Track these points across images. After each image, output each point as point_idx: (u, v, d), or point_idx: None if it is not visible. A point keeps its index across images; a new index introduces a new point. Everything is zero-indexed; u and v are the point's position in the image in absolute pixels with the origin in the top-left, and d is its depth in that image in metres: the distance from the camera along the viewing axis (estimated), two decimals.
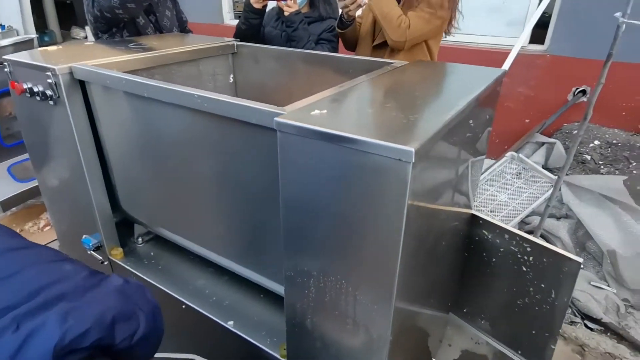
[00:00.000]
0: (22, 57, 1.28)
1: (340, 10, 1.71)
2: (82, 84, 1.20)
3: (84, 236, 1.39)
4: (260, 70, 1.66)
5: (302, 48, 1.70)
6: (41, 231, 2.62)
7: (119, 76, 1.06)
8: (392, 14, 1.57)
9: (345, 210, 0.73)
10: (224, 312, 1.20)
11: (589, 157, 2.59)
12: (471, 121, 0.97)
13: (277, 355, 1.08)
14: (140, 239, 1.51)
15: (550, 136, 2.90)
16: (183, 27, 2.05)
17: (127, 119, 1.20)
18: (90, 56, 1.26)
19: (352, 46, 1.86)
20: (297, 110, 0.79)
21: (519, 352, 1.67)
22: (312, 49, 1.72)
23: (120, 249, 1.44)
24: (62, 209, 1.57)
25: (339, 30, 1.75)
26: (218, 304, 1.23)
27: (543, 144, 2.77)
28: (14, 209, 2.69)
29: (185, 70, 1.55)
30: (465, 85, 1.01)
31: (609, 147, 2.60)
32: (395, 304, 0.76)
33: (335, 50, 1.83)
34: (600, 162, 2.54)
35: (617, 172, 2.46)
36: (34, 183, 2.51)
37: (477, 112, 1.00)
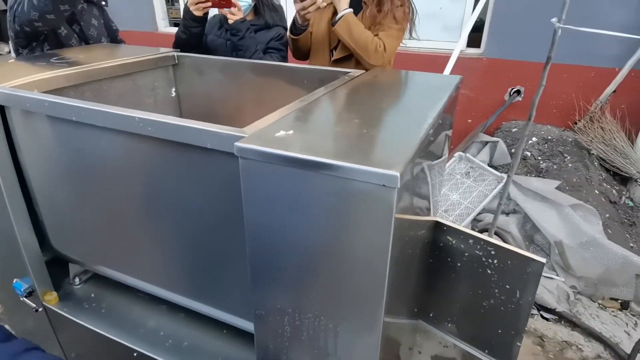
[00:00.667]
0: None
1: (292, 16, 1.62)
2: None
3: (14, 280, 1.19)
4: (206, 83, 1.54)
5: (249, 58, 1.60)
6: None
7: (41, 98, 0.91)
8: (365, 39, 1.49)
9: (322, 240, 0.66)
10: (183, 356, 1.07)
11: (529, 154, 2.74)
12: (438, 131, 0.94)
13: None
14: (77, 279, 1.32)
15: (492, 135, 3.04)
16: (114, 37, 1.86)
17: (55, 146, 1.04)
18: (6, 76, 1.08)
19: (303, 55, 1.76)
20: (259, 132, 0.70)
21: (486, 352, 1.68)
22: (260, 59, 1.63)
23: (54, 293, 1.25)
24: None
25: (292, 37, 1.65)
26: (176, 348, 1.09)
27: (487, 143, 2.89)
28: None
29: (120, 85, 1.39)
30: (429, 95, 0.98)
31: (546, 143, 2.77)
32: (382, 330, 0.70)
33: (285, 59, 1.75)
34: (539, 158, 2.69)
35: (555, 166, 2.61)
36: None
37: (443, 121, 0.97)
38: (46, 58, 1.34)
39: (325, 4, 1.45)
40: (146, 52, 1.49)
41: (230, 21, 1.52)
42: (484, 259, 1.41)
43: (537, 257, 1.28)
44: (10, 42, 1.59)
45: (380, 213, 0.58)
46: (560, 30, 1.57)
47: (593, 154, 2.73)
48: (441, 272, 1.55)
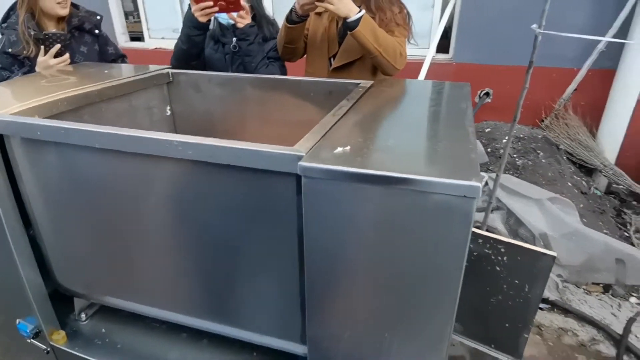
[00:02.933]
0: None
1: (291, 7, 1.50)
2: None
3: (18, 321, 1.09)
4: (203, 100, 1.50)
5: (257, 64, 1.56)
6: None
7: (57, 126, 0.85)
8: (392, 43, 1.42)
9: (392, 257, 0.65)
10: None
11: (517, 157, 2.87)
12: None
13: None
14: (83, 315, 1.23)
15: None
16: (112, 60, 1.80)
17: (62, 175, 0.97)
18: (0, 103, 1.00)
19: (293, 50, 1.62)
20: (313, 151, 0.69)
21: (493, 346, 1.73)
22: (266, 67, 1.61)
23: (62, 332, 1.16)
24: None
25: (288, 25, 1.50)
26: None
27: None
28: None
29: (116, 106, 1.32)
30: (453, 104, 1.01)
31: (519, 141, 2.92)
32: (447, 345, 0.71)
33: (284, 69, 1.72)
34: (515, 155, 2.83)
35: (530, 162, 2.76)
36: None
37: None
38: (37, 80, 1.26)
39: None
40: (140, 70, 1.43)
41: (239, 25, 1.47)
42: (493, 257, 1.45)
43: (548, 251, 1.34)
44: None
45: (457, 224, 0.59)
46: (540, 36, 1.67)
47: (561, 148, 2.91)
48: None
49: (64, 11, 1.59)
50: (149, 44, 4.33)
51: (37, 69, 1.52)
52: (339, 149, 0.68)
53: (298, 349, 0.93)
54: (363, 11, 1.34)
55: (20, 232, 1.04)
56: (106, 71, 1.45)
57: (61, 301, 1.21)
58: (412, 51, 3.38)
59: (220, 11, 1.41)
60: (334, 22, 1.63)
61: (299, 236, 0.71)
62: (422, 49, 3.28)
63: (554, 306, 2.07)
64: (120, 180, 0.91)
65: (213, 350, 1.13)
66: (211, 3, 1.37)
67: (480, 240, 1.45)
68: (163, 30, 4.26)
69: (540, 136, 2.96)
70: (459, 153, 0.67)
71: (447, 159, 0.65)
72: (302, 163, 0.63)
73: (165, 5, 4.09)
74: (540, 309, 2.07)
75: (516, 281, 1.46)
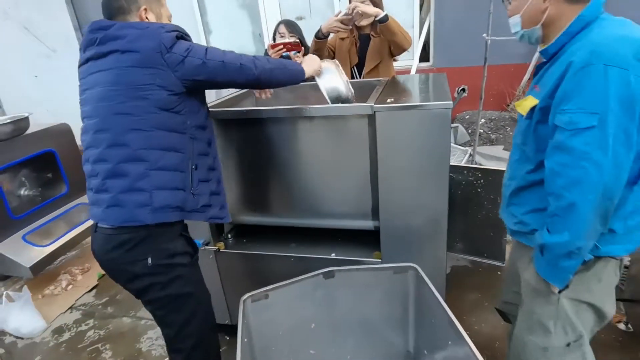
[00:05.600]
0: None
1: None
2: None
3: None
4: (285, 101, 2.34)
5: None
6: (65, 291, 2.78)
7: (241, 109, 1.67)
8: (404, 29, 2.21)
9: (416, 151, 1.47)
10: (324, 249, 1.81)
11: (482, 131, 3.72)
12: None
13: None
14: (229, 235, 2.02)
15: (452, 122, 4.02)
16: None
17: (239, 139, 1.78)
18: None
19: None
20: (377, 102, 1.51)
21: (485, 256, 2.51)
22: None
23: (222, 242, 1.95)
24: None
25: (316, 40, 2.35)
26: (317, 247, 1.83)
27: (450, 128, 3.85)
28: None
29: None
30: (437, 80, 1.85)
31: (491, 122, 3.78)
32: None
33: None
34: (489, 132, 3.68)
35: (501, 136, 3.61)
36: (54, 246, 2.71)
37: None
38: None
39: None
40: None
41: (297, 61, 2.34)
42: (475, 182, 2.27)
43: (502, 169, 2.16)
44: None
45: (443, 121, 1.41)
46: (489, 41, 2.54)
47: None
48: (449, 204, 2.39)
49: None
50: None
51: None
52: (388, 100, 1.51)
53: (369, 224, 1.72)
54: (385, 12, 2.21)
55: None
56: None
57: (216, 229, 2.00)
58: (401, 62, 4.29)
59: (286, 51, 2.28)
60: (353, 44, 2.49)
61: (370, 151, 1.53)
62: (409, 60, 4.18)
63: None
64: (270, 135, 1.71)
65: (317, 240, 1.91)
66: (281, 46, 2.24)
67: (465, 171, 2.27)
68: None
69: (507, 116, 3.83)
70: (440, 93, 1.50)
71: (436, 94, 1.48)
72: (374, 105, 1.46)
73: None
74: None
75: (491, 196, 2.28)
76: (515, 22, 1.14)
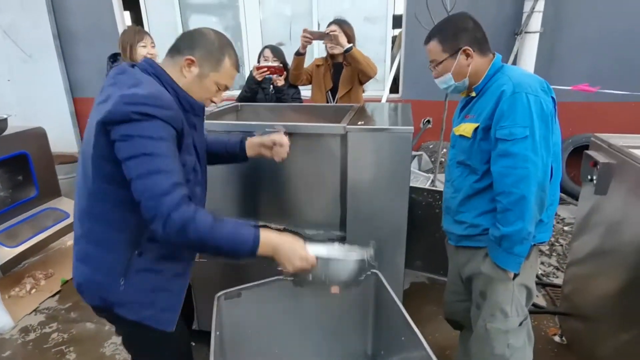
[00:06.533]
0: None
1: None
2: None
3: None
4: (262, 117, 2.50)
5: (287, 100, 2.63)
6: (29, 294, 2.74)
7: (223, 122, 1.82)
8: (368, 59, 2.51)
9: (382, 165, 1.67)
10: None
11: (443, 160, 4.02)
12: None
13: None
14: None
15: (417, 151, 4.31)
16: None
17: None
18: None
19: (297, 76, 2.64)
20: (349, 125, 1.71)
21: (441, 273, 2.71)
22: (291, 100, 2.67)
23: None
24: None
25: (296, 56, 2.56)
26: None
27: (414, 156, 4.13)
28: None
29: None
30: (403, 109, 2.08)
31: None
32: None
33: (299, 93, 2.81)
34: None
35: None
36: (22, 248, 2.68)
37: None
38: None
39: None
40: (221, 105, 2.42)
41: (279, 83, 2.53)
42: (433, 203, 2.50)
43: None
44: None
45: (404, 143, 1.62)
46: None
47: None
48: (411, 224, 2.59)
49: None
50: None
51: None
52: (359, 123, 1.71)
53: (337, 234, 1.89)
54: (351, 45, 2.48)
55: None
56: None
57: None
58: (373, 92, 4.59)
59: (270, 73, 2.49)
60: (328, 71, 2.72)
61: (341, 168, 1.71)
62: (380, 90, 4.48)
63: None
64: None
65: None
66: (265, 68, 2.44)
67: (425, 193, 2.49)
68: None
69: None
70: (405, 120, 1.71)
71: (401, 121, 1.69)
72: (347, 126, 1.65)
73: None
74: None
75: None
76: (446, 79, 1.45)
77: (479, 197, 1.44)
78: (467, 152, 1.44)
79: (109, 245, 1.11)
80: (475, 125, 1.39)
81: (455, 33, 1.38)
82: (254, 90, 2.59)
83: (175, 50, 1.16)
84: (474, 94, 1.46)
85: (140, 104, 1.00)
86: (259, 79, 2.50)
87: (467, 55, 1.38)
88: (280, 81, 2.53)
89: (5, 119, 2.71)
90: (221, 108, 2.33)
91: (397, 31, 4.80)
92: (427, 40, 1.46)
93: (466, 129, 1.43)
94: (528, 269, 1.45)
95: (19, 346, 2.29)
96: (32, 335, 2.36)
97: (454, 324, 1.86)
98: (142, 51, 2.38)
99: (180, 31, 4.88)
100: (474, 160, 1.42)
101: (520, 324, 1.46)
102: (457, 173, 1.52)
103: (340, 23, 2.53)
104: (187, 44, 1.15)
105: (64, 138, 5.22)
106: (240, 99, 2.64)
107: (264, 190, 1.92)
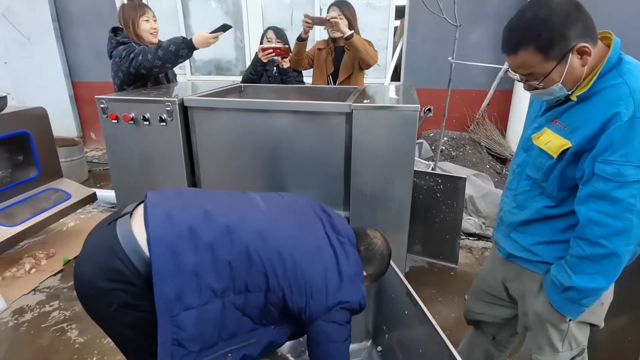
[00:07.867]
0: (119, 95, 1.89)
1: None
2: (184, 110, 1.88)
3: None
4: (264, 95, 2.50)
5: (290, 81, 2.64)
6: (28, 274, 2.74)
7: (210, 99, 1.81)
8: (369, 47, 2.50)
9: (386, 142, 1.68)
10: None
11: (443, 148, 4.03)
12: None
13: None
14: None
15: (417, 139, 4.32)
16: (174, 77, 2.74)
17: (220, 129, 1.91)
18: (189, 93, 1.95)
19: (298, 61, 2.62)
20: (354, 103, 1.71)
21: (440, 257, 2.73)
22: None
23: None
24: None
25: (298, 42, 2.52)
26: None
27: (417, 128, 4.14)
28: None
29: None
30: (407, 90, 2.08)
31: (453, 141, 4.10)
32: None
33: (302, 77, 2.81)
34: (451, 149, 3.99)
35: (461, 153, 3.93)
36: (20, 228, 2.68)
37: None
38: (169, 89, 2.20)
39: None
40: (226, 84, 2.41)
41: (284, 65, 2.52)
42: (435, 187, 2.51)
43: (461, 175, 2.41)
44: (114, 80, 2.38)
45: (411, 122, 1.62)
46: (454, 64, 2.83)
47: (482, 145, 4.12)
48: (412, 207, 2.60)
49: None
50: None
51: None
52: (365, 101, 1.71)
53: (341, 213, 1.90)
54: (352, 31, 2.45)
55: (188, 165, 1.95)
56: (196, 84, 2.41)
57: None
58: (375, 80, 4.58)
59: (275, 55, 2.47)
60: (330, 55, 2.71)
61: (345, 146, 1.72)
62: (381, 78, 4.47)
63: (479, 237, 3.15)
64: (256, 126, 1.87)
65: None
66: (271, 50, 2.43)
67: (427, 177, 2.50)
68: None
69: (467, 137, 4.17)
70: (409, 99, 1.72)
71: (406, 98, 1.69)
72: (352, 104, 1.65)
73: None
74: (469, 238, 3.14)
75: (448, 200, 2.52)
76: (554, 91, 1.06)
77: (545, 224, 1.18)
78: (544, 173, 1.14)
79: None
80: (566, 144, 1.05)
81: (561, 30, 0.97)
82: (259, 72, 2.57)
83: None
84: (574, 99, 1.06)
85: None
86: (265, 61, 2.49)
87: (582, 53, 0.99)
88: (285, 63, 2.52)
89: (5, 97, 2.69)
90: (223, 88, 2.33)
91: (398, 22, 4.77)
92: (514, 49, 1.03)
93: (552, 145, 1.08)
94: (597, 308, 1.20)
95: (8, 330, 2.24)
96: (27, 316, 2.33)
97: (473, 322, 1.63)
98: (145, 26, 2.34)
99: (180, 14, 4.84)
100: (551, 184, 1.13)
101: (573, 358, 1.24)
102: (524, 187, 1.23)
103: (341, 6, 2.52)
104: None
105: (63, 123, 5.20)
106: (245, 81, 2.63)
107: (267, 169, 1.92)
